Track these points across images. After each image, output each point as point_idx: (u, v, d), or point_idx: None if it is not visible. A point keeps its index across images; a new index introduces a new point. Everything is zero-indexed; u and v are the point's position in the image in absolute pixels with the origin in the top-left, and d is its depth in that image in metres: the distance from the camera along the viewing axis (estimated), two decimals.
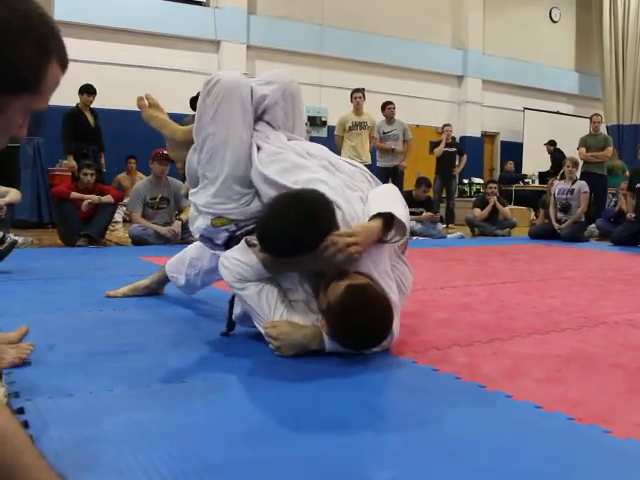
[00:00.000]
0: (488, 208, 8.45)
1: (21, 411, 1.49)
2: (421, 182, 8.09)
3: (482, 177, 13.32)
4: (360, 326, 1.89)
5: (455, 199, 10.40)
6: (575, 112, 14.97)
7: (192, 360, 2.01)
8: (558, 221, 7.79)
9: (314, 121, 11.91)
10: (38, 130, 7.69)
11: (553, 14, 15.08)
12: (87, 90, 7.50)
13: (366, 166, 8.11)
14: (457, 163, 10.24)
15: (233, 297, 2.25)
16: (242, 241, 2.15)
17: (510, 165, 13.22)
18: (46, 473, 0.91)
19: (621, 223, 7.57)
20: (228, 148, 2.23)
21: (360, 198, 2.11)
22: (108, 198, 5.82)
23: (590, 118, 9.82)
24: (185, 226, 5.57)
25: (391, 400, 1.69)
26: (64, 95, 8.10)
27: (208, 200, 2.27)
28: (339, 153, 8.42)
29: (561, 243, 7.25)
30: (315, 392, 1.73)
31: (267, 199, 2.13)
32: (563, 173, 8.24)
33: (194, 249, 2.78)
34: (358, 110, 8.32)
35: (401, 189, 8.60)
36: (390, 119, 8.74)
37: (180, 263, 2.85)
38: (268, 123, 2.38)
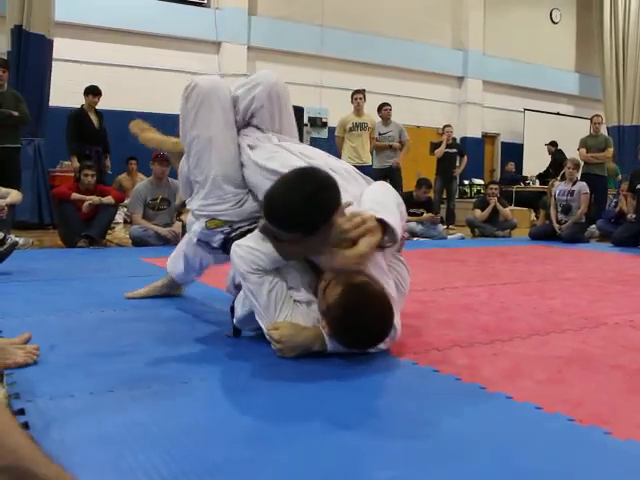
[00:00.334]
0: (489, 209, 8.45)
1: (22, 412, 1.49)
2: (422, 183, 8.09)
3: (482, 178, 13.32)
4: (361, 326, 1.89)
5: (456, 200, 10.40)
6: (575, 113, 14.97)
7: (192, 361, 2.01)
8: (559, 222, 7.79)
9: (314, 122, 11.92)
10: (39, 131, 7.70)
11: (554, 15, 15.09)
12: (92, 91, 7.52)
13: (367, 167, 8.13)
14: (457, 164, 10.25)
15: (232, 305, 2.25)
16: (256, 230, 2.11)
17: (510, 166, 13.22)
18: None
19: (621, 224, 7.57)
20: (213, 149, 2.26)
21: (355, 198, 2.11)
22: (109, 199, 5.82)
23: (590, 119, 9.82)
24: (185, 227, 5.58)
25: (391, 401, 1.69)
26: (66, 96, 8.16)
27: (201, 203, 2.30)
28: (339, 154, 8.44)
29: (561, 244, 7.25)
30: (315, 393, 1.73)
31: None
32: (564, 174, 8.24)
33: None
34: (359, 111, 8.32)
35: (398, 190, 8.57)
36: (386, 120, 8.75)
37: (178, 255, 2.88)
38: (257, 127, 2.39)
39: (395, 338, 2.08)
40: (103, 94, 7.65)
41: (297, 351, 2.00)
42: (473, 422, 1.52)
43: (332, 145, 9.01)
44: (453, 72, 13.66)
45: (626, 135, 12.18)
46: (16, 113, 6.44)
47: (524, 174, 13.39)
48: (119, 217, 8.03)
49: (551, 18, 15.09)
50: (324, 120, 12.04)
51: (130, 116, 9.12)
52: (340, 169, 2.26)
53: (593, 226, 8.43)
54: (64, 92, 8.60)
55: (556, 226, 7.74)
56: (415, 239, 7.61)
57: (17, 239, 4.13)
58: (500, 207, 8.49)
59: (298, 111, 9.60)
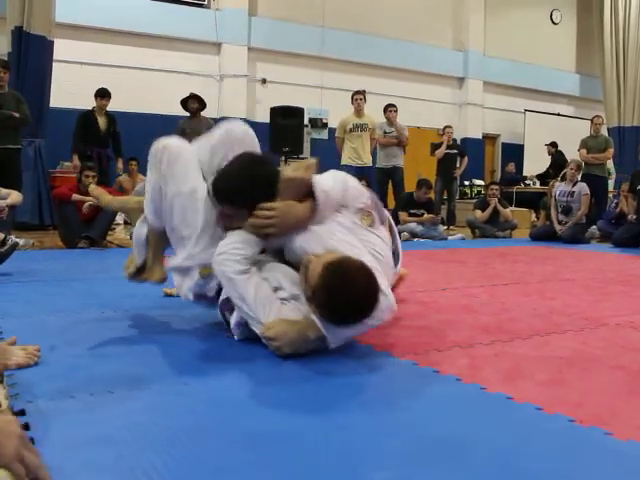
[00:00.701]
0: (489, 210, 8.45)
1: (22, 413, 1.49)
2: (422, 184, 8.09)
3: (483, 179, 13.32)
4: (348, 300, 1.87)
5: (456, 201, 10.42)
6: (576, 114, 14.97)
7: (193, 361, 2.01)
8: (559, 223, 7.79)
9: (315, 123, 11.92)
10: (39, 132, 7.70)
11: (554, 16, 15.09)
12: (99, 94, 7.58)
13: (367, 167, 8.16)
14: (458, 165, 10.26)
15: (222, 311, 2.27)
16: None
17: (511, 167, 13.22)
18: None
19: (622, 225, 7.58)
20: (198, 198, 2.30)
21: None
22: None
23: (591, 120, 9.83)
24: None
25: (392, 401, 1.69)
26: (66, 97, 8.16)
27: (190, 252, 2.29)
28: (340, 155, 8.44)
29: (562, 245, 7.25)
30: (315, 393, 1.73)
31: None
32: (564, 175, 8.24)
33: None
34: (359, 112, 8.33)
35: (401, 190, 8.62)
36: (392, 121, 8.73)
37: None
38: None
39: (391, 307, 2.07)
40: None
41: (294, 345, 2.00)
42: (473, 423, 1.52)
43: (332, 146, 9.02)
44: (454, 73, 13.66)
45: (626, 136, 12.17)
46: (17, 114, 6.45)
47: (524, 175, 13.39)
48: (119, 218, 8.03)
49: (551, 19, 15.09)
50: (324, 121, 12.05)
51: (128, 117, 9.15)
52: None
53: (593, 227, 8.43)
54: (65, 93, 8.62)
55: (557, 227, 7.74)
56: (416, 240, 7.61)
57: (17, 240, 4.13)
58: (500, 208, 8.49)
59: (298, 112, 9.59)
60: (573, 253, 6.32)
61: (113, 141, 7.81)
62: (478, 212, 8.59)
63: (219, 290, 2.28)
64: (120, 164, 7.96)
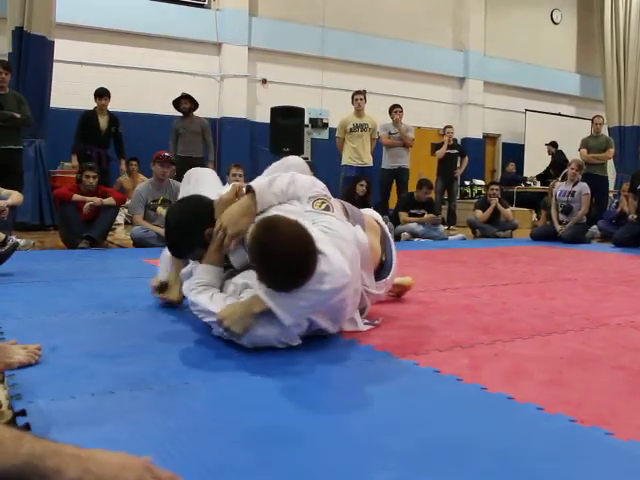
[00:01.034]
0: (490, 210, 8.45)
1: (23, 413, 1.49)
2: (422, 184, 8.09)
3: (483, 179, 13.32)
4: (277, 254, 1.86)
5: (456, 201, 10.42)
6: (576, 114, 14.97)
7: (193, 361, 2.02)
8: (560, 223, 7.79)
9: (315, 123, 11.93)
10: (40, 132, 7.70)
11: (554, 16, 15.08)
12: (97, 94, 7.59)
13: (367, 168, 8.14)
14: (458, 165, 10.27)
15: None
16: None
17: (511, 167, 13.22)
18: None
19: (623, 225, 7.58)
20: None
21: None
22: (110, 200, 5.82)
23: (591, 120, 9.82)
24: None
25: (392, 402, 1.69)
26: (67, 98, 8.16)
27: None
28: (340, 155, 8.44)
29: (563, 245, 7.25)
30: (315, 393, 1.73)
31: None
32: (565, 174, 8.24)
33: None
34: (359, 112, 8.32)
35: (406, 191, 8.61)
36: (396, 123, 8.71)
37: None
38: None
39: (336, 272, 1.96)
40: None
41: (242, 323, 2.02)
42: (474, 423, 1.52)
43: (333, 146, 9.02)
44: (454, 73, 13.66)
45: (627, 136, 12.17)
46: (18, 115, 6.45)
47: (525, 175, 13.39)
48: (120, 218, 8.04)
49: (552, 19, 15.08)
50: (325, 121, 12.05)
51: (128, 117, 9.14)
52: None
53: (594, 227, 8.43)
54: (65, 93, 8.62)
55: (557, 227, 7.74)
56: (416, 240, 7.61)
57: (18, 240, 4.13)
58: (501, 208, 8.49)
59: (299, 112, 9.59)
60: (574, 253, 6.32)
61: (115, 142, 7.81)
62: (479, 212, 8.60)
63: None
64: (123, 165, 7.97)
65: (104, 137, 7.66)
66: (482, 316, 2.84)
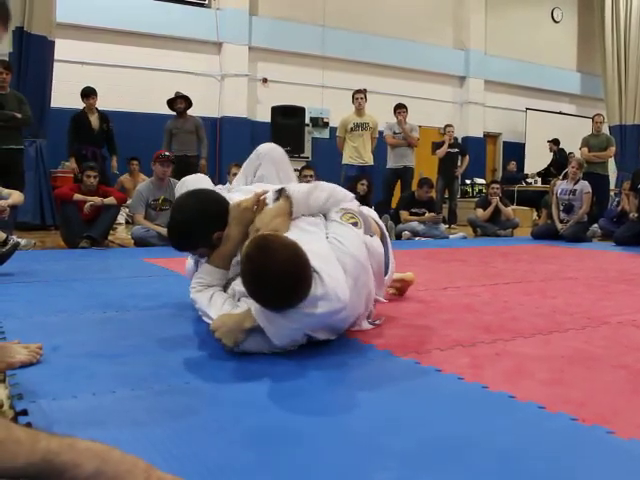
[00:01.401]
0: (490, 208, 8.45)
1: (25, 413, 1.49)
2: (423, 183, 8.09)
3: (484, 177, 13.32)
4: (271, 272, 1.81)
5: (457, 199, 10.42)
6: (577, 112, 14.97)
7: (194, 361, 2.02)
8: (561, 221, 7.79)
9: (316, 122, 11.93)
10: (40, 132, 7.71)
11: (555, 14, 15.07)
12: (84, 94, 7.57)
13: (368, 167, 8.13)
14: (459, 164, 10.26)
15: None
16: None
17: (512, 165, 13.22)
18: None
19: (624, 223, 7.57)
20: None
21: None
22: (111, 200, 5.82)
23: (592, 118, 9.82)
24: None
25: (393, 401, 1.68)
26: (67, 97, 8.17)
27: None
28: (341, 154, 8.43)
29: (564, 243, 7.24)
30: (316, 393, 1.73)
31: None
32: (566, 173, 8.24)
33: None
34: (360, 111, 8.31)
35: (409, 190, 8.61)
36: (401, 124, 8.70)
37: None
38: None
39: (330, 297, 1.91)
40: (105, 95, 7.67)
41: (232, 335, 2.00)
42: (475, 421, 1.52)
43: (333, 145, 9.02)
44: (455, 72, 13.65)
45: (628, 134, 12.15)
46: (19, 115, 6.45)
47: (526, 173, 13.38)
48: (121, 218, 8.05)
49: (552, 17, 15.08)
50: (325, 120, 12.05)
51: (129, 117, 9.14)
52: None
53: (595, 225, 8.43)
54: (66, 93, 8.61)
55: (558, 225, 7.74)
56: (417, 239, 7.61)
57: (19, 240, 4.13)
58: (502, 206, 8.49)
59: (299, 111, 9.60)
60: (575, 252, 6.32)
61: (107, 139, 7.80)
62: (479, 211, 8.59)
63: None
64: (114, 162, 7.93)
65: (97, 136, 7.65)
66: (483, 315, 2.84)
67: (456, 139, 10.76)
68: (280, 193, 2.27)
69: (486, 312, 2.91)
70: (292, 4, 11.69)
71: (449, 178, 10.03)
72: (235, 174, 6.72)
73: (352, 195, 2.46)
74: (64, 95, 8.55)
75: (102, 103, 7.89)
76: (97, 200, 5.71)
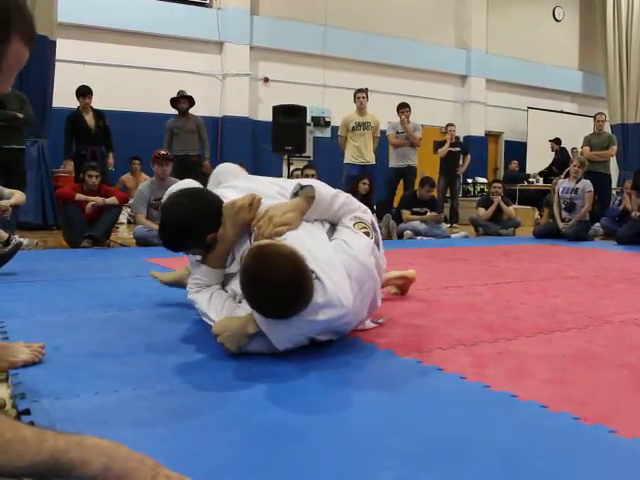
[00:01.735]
0: (492, 208, 8.44)
1: (27, 412, 1.49)
2: (425, 182, 8.08)
3: (486, 177, 13.32)
4: (268, 283, 1.79)
5: (459, 199, 10.42)
6: (579, 111, 14.96)
7: (197, 361, 2.02)
8: (563, 220, 7.78)
9: (317, 121, 11.93)
10: (42, 132, 7.71)
11: (556, 13, 15.07)
12: (79, 92, 7.54)
13: (370, 166, 8.10)
14: (461, 163, 10.26)
15: None
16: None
17: (514, 164, 13.21)
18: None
19: (626, 222, 7.56)
20: None
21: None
22: (113, 200, 5.83)
23: (594, 117, 9.81)
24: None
25: (395, 400, 1.68)
26: (69, 97, 8.17)
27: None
28: (343, 153, 8.43)
29: (565, 242, 7.24)
30: (318, 392, 1.73)
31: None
32: (568, 172, 8.23)
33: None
34: (361, 110, 8.31)
35: (410, 188, 8.60)
36: (404, 123, 8.69)
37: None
38: None
39: (337, 300, 1.90)
40: (106, 95, 7.67)
41: (235, 340, 1.99)
42: (477, 421, 1.52)
43: (335, 145, 9.01)
44: (456, 71, 13.65)
45: (630, 133, 12.14)
46: (21, 115, 6.46)
47: (527, 172, 13.37)
48: (123, 217, 8.05)
49: (554, 16, 15.07)
50: (327, 119, 12.05)
51: (130, 116, 9.13)
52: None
53: (597, 224, 8.42)
54: (67, 93, 8.61)
55: (560, 224, 7.73)
56: (419, 238, 7.60)
57: (21, 240, 4.13)
58: (504, 206, 8.48)
59: (301, 110, 9.58)
60: (577, 251, 6.31)
61: (104, 136, 7.77)
62: (481, 210, 8.59)
63: None
64: (111, 159, 7.91)
65: (95, 135, 7.63)
66: (485, 314, 2.84)
67: (458, 138, 10.76)
68: (302, 187, 2.23)
69: (488, 311, 2.91)
70: (293, 3, 11.70)
71: (451, 177, 10.03)
72: None
73: (365, 207, 2.43)
74: (66, 95, 8.55)
75: (103, 103, 7.91)
76: (99, 200, 5.72)
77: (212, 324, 2.10)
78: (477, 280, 3.98)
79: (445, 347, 2.21)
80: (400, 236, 7.60)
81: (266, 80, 11.58)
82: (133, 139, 9.10)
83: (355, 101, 8.35)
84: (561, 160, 12.02)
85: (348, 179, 8.06)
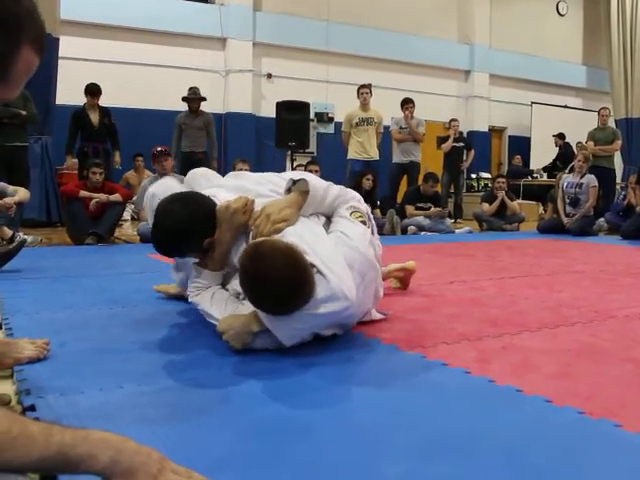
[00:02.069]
0: (496, 203, 8.43)
1: (32, 408, 1.50)
2: (429, 177, 8.07)
3: (490, 172, 13.29)
4: (267, 281, 1.78)
5: (463, 194, 10.40)
6: (583, 106, 14.90)
7: (201, 357, 2.02)
8: (567, 215, 7.77)
9: (321, 117, 11.92)
10: (46, 129, 7.72)
11: (560, 7, 15.01)
12: (88, 91, 7.53)
13: (373, 162, 8.08)
14: (465, 158, 10.24)
15: None
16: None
17: (518, 160, 13.18)
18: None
19: (630, 217, 7.55)
20: None
21: None
22: (116, 197, 5.84)
23: (598, 112, 9.78)
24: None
25: (400, 395, 1.68)
26: (72, 94, 8.18)
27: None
28: (346, 149, 8.42)
29: (570, 237, 7.22)
30: (322, 386, 1.73)
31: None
32: (572, 167, 8.21)
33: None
34: (365, 106, 8.29)
35: (414, 184, 8.60)
36: (407, 120, 8.68)
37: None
38: None
39: (337, 294, 1.90)
40: (108, 92, 7.66)
41: (240, 338, 1.99)
42: (482, 415, 1.52)
43: (339, 140, 9.01)
44: (459, 66, 13.62)
45: (634, 127, 12.10)
46: (24, 112, 6.46)
47: (531, 167, 13.34)
48: (127, 214, 8.06)
49: (557, 10, 15.01)
50: (330, 115, 12.04)
51: (133, 113, 9.12)
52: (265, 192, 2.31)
53: (601, 219, 8.40)
54: (71, 90, 8.62)
55: (564, 219, 7.71)
56: (423, 233, 7.60)
57: (25, 237, 4.15)
58: (508, 201, 8.47)
59: (304, 106, 9.58)
60: (581, 245, 6.30)
61: (110, 134, 7.78)
62: (485, 205, 8.57)
63: None
64: (117, 157, 7.92)
65: (98, 132, 7.62)
66: (489, 309, 2.83)
67: (461, 133, 10.74)
68: (295, 182, 2.23)
69: (492, 306, 2.91)
70: None
71: (455, 172, 10.01)
72: (240, 170, 6.75)
73: (360, 196, 2.45)
74: (69, 92, 8.56)
75: (106, 100, 7.89)
76: (103, 197, 5.72)
77: (216, 323, 2.09)
78: (481, 275, 3.97)
79: (449, 342, 2.21)
80: (404, 231, 7.59)
81: (269, 76, 11.57)
82: (136, 136, 9.09)
83: (358, 97, 8.33)
84: (565, 155, 11.99)
85: (352, 175, 8.05)
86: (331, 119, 12.03)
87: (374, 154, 8.30)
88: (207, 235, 2.16)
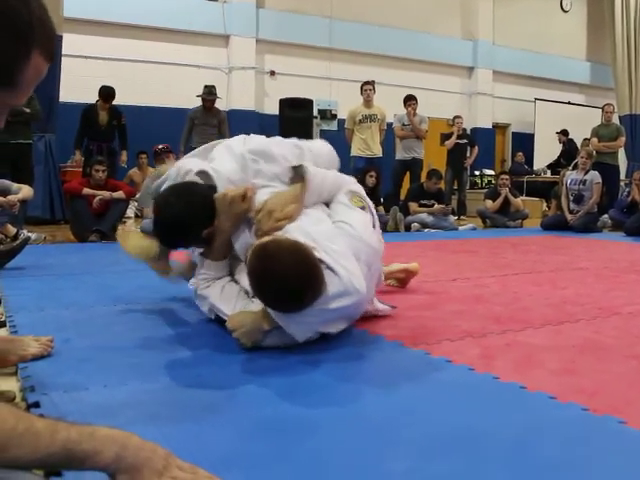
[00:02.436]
0: (500, 200, 8.41)
1: (37, 405, 1.50)
2: (432, 174, 8.06)
3: (493, 168, 13.27)
4: (271, 284, 1.79)
5: (466, 191, 10.38)
6: (587, 102, 14.86)
7: (205, 354, 2.02)
8: (570, 212, 7.75)
9: (324, 114, 11.90)
10: (49, 127, 7.73)
11: (564, 3, 14.96)
12: (102, 95, 7.51)
13: (377, 158, 8.05)
14: (468, 155, 10.23)
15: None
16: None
17: (520, 157, 13.16)
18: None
19: (634, 213, 7.53)
20: None
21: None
22: (120, 194, 5.85)
23: (602, 108, 9.75)
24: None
25: (404, 392, 1.68)
26: (75, 92, 8.19)
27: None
28: (349, 146, 8.41)
29: (573, 234, 7.21)
30: (327, 383, 1.74)
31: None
32: (576, 164, 8.19)
33: None
34: (368, 103, 8.28)
35: (416, 181, 8.59)
36: (410, 116, 8.66)
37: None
38: None
39: (349, 289, 1.91)
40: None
41: (250, 335, 1.99)
42: (487, 412, 1.52)
43: (342, 137, 9.00)
44: (463, 62, 13.58)
45: (638, 124, 12.05)
46: (27, 109, 6.47)
47: (535, 164, 13.31)
48: (130, 211, 8.06)
49: (561, 6, 14.96)
50: (334, 112, 12.02)
51: (137, 111, 9.13)
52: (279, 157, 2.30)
53: (605, 216, 8.38)
54: (74, 88, 8.64)
55: (568, 216, 7.70)
56: (426, 230, 7.59)
57: (29, 234, 4.15)
58: (511, 197, 8.45)
59: (307, 103, 9.57)
60: (585, 242, 6.29)
61: (119, 134, 7.78)
62: (489, 202, 8.56)
63: None
64: (124, 156, 7.92)
65: (105, 131, 7.62)
66: (493, 306, 2.83)
67: (465, 130, 10.71)
68: (296, 171, 2.21)
69: (496, 303, 2.91)
70: None
71: (458, 169, 10.00)
72: None
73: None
74: (73, 90, 8.57)
75: None
76: (106, 194, 5.73)
77: (226, 318, 2.09)
78: (485, 272, 3.97)
79: (453, 339, 2.21)
80: (407, 228, 7.59)
81: (272, 73, 11.56)
82: (139, 133, 9.08)
83: (362, 93, 8.32)
84: (569, 152, 11.96)
85: (355, 172, 8.04)
86: (334, 116, 12.01)
87: (377, 151, 8.28)
88: (206, 225, 2.15)
